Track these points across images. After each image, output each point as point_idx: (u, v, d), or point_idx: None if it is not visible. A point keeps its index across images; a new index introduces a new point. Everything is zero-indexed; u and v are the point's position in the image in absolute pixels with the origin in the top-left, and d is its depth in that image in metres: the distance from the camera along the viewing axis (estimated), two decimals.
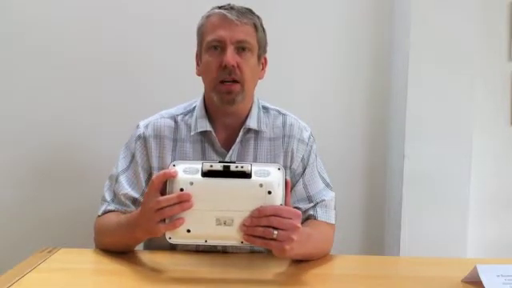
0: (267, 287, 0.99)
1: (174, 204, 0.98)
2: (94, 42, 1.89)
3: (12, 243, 1.89)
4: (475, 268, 1.01)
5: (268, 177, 0.99)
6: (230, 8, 1.27)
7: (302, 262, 1.14)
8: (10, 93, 1.91)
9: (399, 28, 1.90)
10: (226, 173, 0.98)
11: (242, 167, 0.98)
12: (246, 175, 0.98)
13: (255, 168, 0.99)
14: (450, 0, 1.79)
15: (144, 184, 1.28)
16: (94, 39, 1.89)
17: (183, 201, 0.97)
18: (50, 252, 1.18)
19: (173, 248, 1.21)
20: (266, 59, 1.36)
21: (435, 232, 1.81)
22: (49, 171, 1.92)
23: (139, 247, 1.24)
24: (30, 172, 1.92)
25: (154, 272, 1.07)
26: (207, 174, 0.98)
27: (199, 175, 0.98)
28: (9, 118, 1.91)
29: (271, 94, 1.48)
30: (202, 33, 1.30)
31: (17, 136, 1.91)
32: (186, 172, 0.98)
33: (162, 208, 0.98)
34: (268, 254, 1.15)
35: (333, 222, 1.29)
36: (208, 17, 1.29)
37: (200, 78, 1.33)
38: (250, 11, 1.30)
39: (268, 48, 1.36)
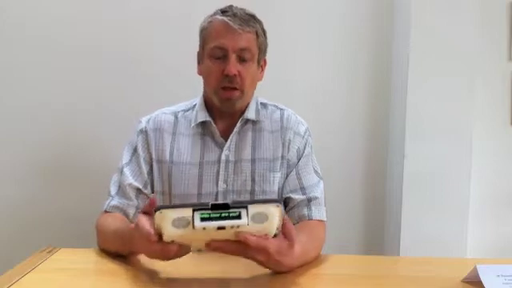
0: (267, 287, 0.99)
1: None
2: (95, 43, 1.90)
3: (12, 243, 1.89)
4: (475, 268, 1.00)
5: (265, 222, 0.94)
6: (233, 15, 1.28)
7: None
8: (10, 92, 1.91)
9: (399, 28, 1.90)
10: (220, 217, 0.92)
11: (238, 214, 0.92)
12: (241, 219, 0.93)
13: (252, 210, 0.93)
14: (450, 0, 1.79)
15: (146, 176, 1.34)
16: (95, 41, 1.89)
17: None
18: (49, 252, 1.18)
19: None
20: (265, 61, 1.38)
21: (435, 232, 1.81)
22: (49, 171, 1.93)
23: None
24: (31, 171, 1.93)
25: (155, 272, 1.07)
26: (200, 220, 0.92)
27: (190, 228, 0.92)
28: (9, 118, 1.91)
29: (272, 94, 1.48)
30: (204, 36, 1.32)
31: (17, 135, 1.91)
32: (175, 226, 0.93)
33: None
34: None
35: (325, 219, 1.33)
36: (211, 22, 1.30)
37: (200, 76, 1.35)
38: (253, 17, 1.31)
39: (268, 48, 1.37)
